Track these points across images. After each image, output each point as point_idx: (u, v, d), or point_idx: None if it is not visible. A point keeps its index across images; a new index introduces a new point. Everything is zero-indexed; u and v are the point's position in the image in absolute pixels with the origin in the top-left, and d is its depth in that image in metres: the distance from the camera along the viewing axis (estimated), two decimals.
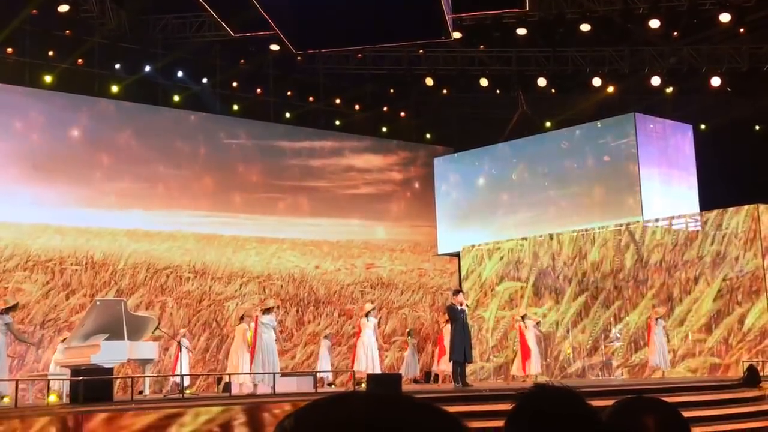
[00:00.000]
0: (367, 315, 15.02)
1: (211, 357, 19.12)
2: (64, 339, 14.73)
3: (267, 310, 13.25)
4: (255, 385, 12.87)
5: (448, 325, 16.58)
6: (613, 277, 18.45)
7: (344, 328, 20.98)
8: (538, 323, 17.31)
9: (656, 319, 16.31)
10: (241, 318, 14.18)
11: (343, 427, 0.90)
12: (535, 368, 16.39)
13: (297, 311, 20.76)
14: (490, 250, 20.66)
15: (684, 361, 17.05)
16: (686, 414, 1.92)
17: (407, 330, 19.59)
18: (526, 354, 16.29)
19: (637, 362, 17.61)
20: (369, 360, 14.60)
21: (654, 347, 16.09)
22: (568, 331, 18.94)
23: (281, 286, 20.78)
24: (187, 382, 14.86)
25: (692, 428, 1.88)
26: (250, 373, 12.98)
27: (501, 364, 19.53)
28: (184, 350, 15.00)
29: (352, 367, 14.60)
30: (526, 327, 16.49)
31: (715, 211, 17.40)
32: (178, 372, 14.78)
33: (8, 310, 12.44)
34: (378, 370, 14.73)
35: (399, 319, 22.01)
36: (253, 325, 13.26)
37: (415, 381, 18.68)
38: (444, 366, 16.34)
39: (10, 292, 16.04)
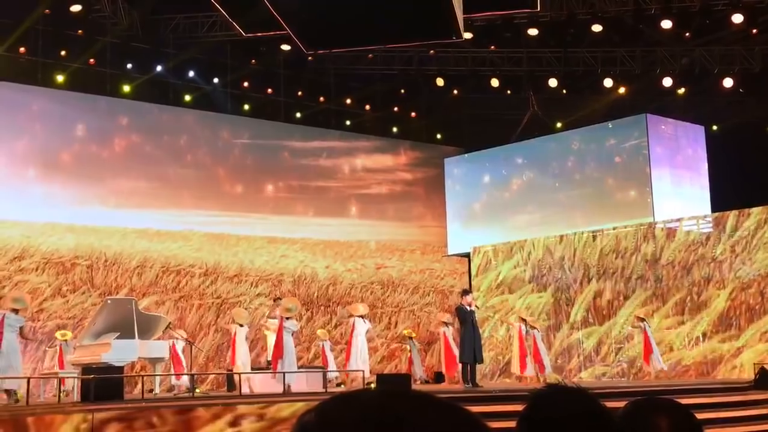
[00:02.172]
0: (362, 317, 15.07)
1: (222, 356, 19.13)
2: (65, 338, 14.87)
3: (288, 317, 13.37)
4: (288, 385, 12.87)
5: (445, 328, 16.70)
6: (624, 279, 18.40)
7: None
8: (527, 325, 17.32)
9: (645, 323, 16.37)
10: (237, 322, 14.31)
11: (361, 422, 0.91)
12: (530, 370, 16.48)
13: (307, 311, 20.76)
14: (500, 251, 20.64)
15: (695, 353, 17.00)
16: (697, 416, 1.91)
17: (409, 332, 19.35)
18: (523, 355, 16.38)
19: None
20: (362, 361, 14.69)
21: (651, 350, 16.15)
22: (578, 331, 18.91)
23: (292, 284, 20.78)
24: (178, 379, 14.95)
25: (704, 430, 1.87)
26: (265, 372, 13.06)
27: (507, 362, 19.51)
28: (178, 348, 15.14)
29: (346, 366, 14.70)
30: (527, 330, 16.60)
31: (727, 213, 17.34)
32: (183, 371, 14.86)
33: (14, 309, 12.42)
34: (368, 370, 14.92)
35: (412, 320, 21.97)
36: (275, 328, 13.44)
37: (426, 381, 18.66)
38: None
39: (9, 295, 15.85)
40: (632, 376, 17.61)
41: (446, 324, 16.98)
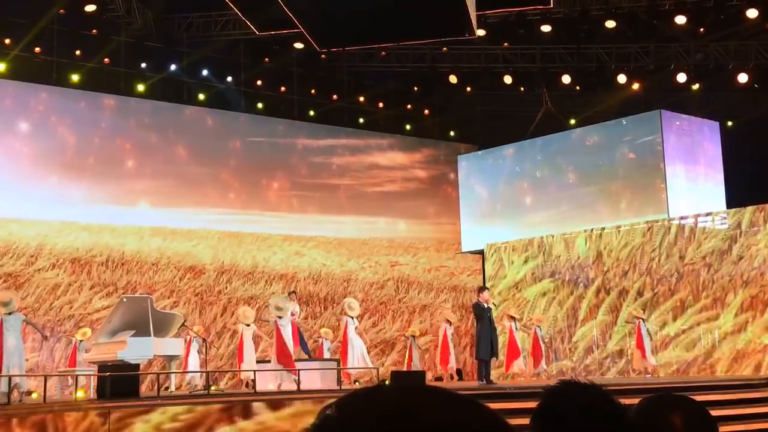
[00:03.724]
0: (352, 317, 15.07)
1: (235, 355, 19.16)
2: (85, 337, 15.01)
3: (280, 315, 13.41)
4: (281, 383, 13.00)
5: (447, 325, 16.75)
6: (638, 275, 18.34)
7: (378, 327, 21.03)
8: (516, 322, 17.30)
9: (640, 320, 16.37)
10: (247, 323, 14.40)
11: (382, 418, 0.92)
12: (516, 367, 16.52)
13: (325, 310, 20.77)
14: (514, 248, 20.61)
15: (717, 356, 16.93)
16: (712, 413, 1.91)
17: (410, 331, 19.23)
18: (512, 354, 16.39)
19: (663, 362, 17.48)
20: (360, 357, 14.72)
21: (645, 347, 16.15)
22: (592, 327, 18.86)
23: (306, 281, 20.80)
24: (191, 377, 15.03)
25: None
26: (274, 370, 13.10)
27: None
28: (194, 346, 15.20)
29: (344, 365, 14.69)
30: (517, 329, 16.62)
31: (742, 209, 17.25)
32: (191, 368, 14.94)
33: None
34: (370, 365, 15.01)
35: (426, 318, 21.96)
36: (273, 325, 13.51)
37: (437, 379, 18.65)
38: (452, 364, 16.74)
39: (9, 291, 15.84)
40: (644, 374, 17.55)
41: (449, 322, 17.02)
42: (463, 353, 21.31)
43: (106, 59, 19.24)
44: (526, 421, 1.66)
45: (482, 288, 15.31)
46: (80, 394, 12.52)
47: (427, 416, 0.92)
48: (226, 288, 19.73)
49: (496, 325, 14.79)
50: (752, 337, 16.54)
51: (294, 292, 17.46)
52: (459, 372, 19.20)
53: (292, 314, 14.80)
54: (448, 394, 0.97)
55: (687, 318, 17.46)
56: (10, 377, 11.21)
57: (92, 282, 18.21)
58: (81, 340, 15.13)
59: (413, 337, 18.16)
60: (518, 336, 16.62)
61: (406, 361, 18.37)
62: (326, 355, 16.80)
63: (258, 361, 14.34)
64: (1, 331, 11.97)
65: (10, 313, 12.13)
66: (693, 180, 19.57)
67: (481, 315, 14.03)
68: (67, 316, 17.64)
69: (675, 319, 17.61)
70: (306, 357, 15.76)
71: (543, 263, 20.03)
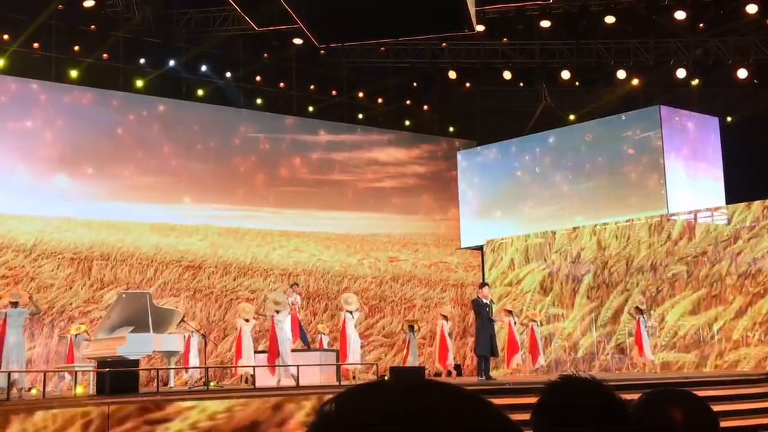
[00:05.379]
0: (351, 312, 15.06)
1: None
2: (78, 332, 15.02)
3: (278, 310, 13.38)
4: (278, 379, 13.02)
5: (443, 321, 16.76)
6: (637, 271, 18.34)
7: (378, 322, 21.04)
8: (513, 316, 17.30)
9: (640, 316, 16.38)
10: (246, 319, 14.38)
11: (384, 414, 0.89)
12: (514, 363, 16.52)
13: (326, 310, 20.76)
14: (512, 244, 20.60)
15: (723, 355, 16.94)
16: (713, 407, 1.90)
17: (407, 325, 19.13)
18: (512, 349, 16.38)
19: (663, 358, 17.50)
20: (356, 354, 14.73)
21: (643, 343, 16.18)
22: (591, 325, 18.87)
23: (305, 278, 20.80)
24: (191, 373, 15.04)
25: None
26: (270, 366, 13.11)
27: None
28: (194, 343, 15.21)
29: (343, 361, 14.66)
30: (515, 323, 16.61)
31: (741, 204, 17.24)
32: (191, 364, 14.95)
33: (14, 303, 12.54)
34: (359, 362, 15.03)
35: (425, 313, 21.96)
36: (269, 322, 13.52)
37: (436, 375, 18.65)
38: (450, 360, 16.73)
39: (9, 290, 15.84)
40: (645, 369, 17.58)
41: (445, 318, 17.01)
42: (462, 349, 21.32)
43: (105, 55, 19.22)
44: (526, 416, 1.65)
45: (483, 284, 15.32)
46: (79, 390, 12.52)
47: (432, 416, 0.89)
48: (226, 284, 19.73)
49: (494, 321, 14.79)
50: (753, 332, 16.54)
51: (296, 284, 17.47)
52: (458, 367, 19.18)
53: (293, 305, 14.79)
54: (451, 391, 0.94)
55: (687, 314, 17.45)
56: (9, 373, 11.22)
57: (91, 278, 18.21)
58: (76, 335, 15.12)
59: (411, 329, 18.16)
60: (517, 330, 16.61)
61: (404, 355, 18.36)
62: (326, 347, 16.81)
63: (257, 352, 14.35)
64: (4, 327, 12.05)
65: (15, 305, 12.20)
66: (692, 176, 19.56)
67: (480, 311, 14.04)
68: (67, 312, 17.63)
69: (675, 314, 17.60)
70: (305, 348, 15.75)
71: (542, 259, 20.03)
